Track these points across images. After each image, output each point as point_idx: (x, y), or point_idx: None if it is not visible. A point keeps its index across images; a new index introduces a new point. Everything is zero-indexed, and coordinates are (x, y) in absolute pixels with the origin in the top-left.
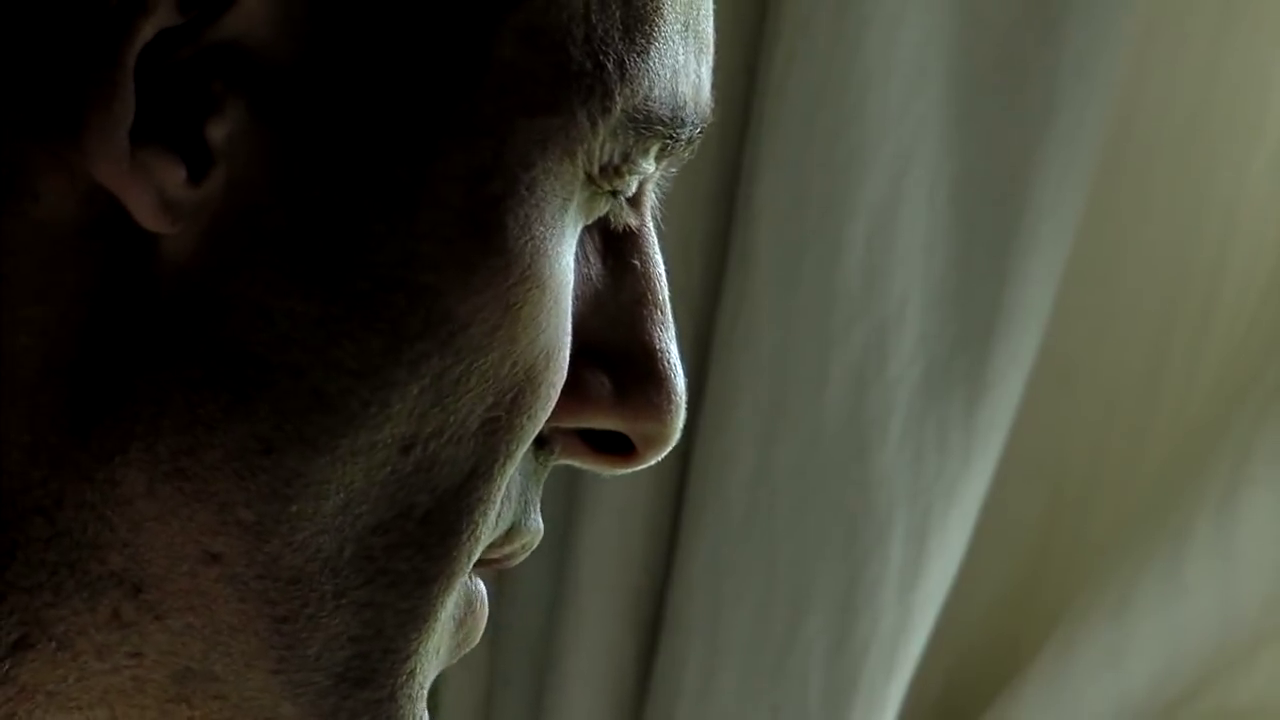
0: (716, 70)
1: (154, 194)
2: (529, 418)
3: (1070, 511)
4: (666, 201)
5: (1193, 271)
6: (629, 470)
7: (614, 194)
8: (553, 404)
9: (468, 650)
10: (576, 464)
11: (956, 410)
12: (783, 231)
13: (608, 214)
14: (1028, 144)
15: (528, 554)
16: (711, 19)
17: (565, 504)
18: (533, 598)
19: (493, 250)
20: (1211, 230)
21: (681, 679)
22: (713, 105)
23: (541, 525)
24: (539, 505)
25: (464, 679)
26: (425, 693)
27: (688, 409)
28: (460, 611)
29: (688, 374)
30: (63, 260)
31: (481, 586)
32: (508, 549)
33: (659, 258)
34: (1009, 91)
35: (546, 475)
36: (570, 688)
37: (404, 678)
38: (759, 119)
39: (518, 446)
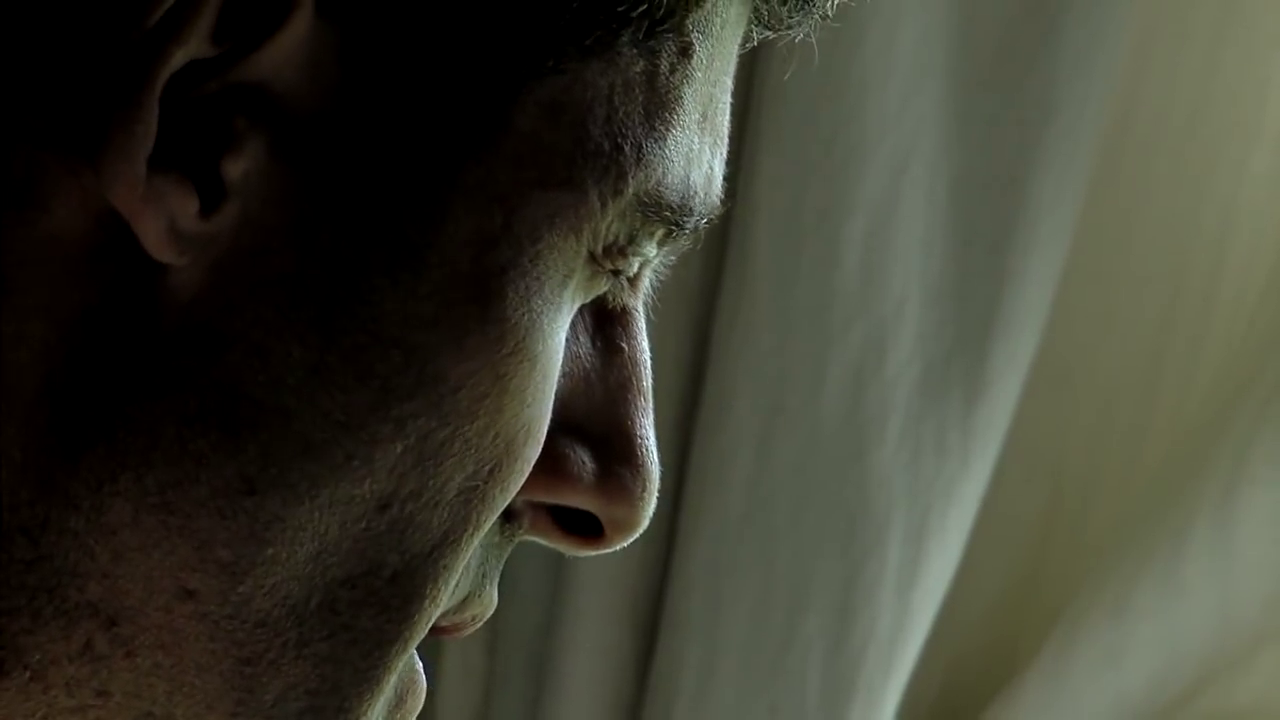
0: None
1: (165, 223)
2: (502, 490)
3: (1069, 511)
4: None
5: (1191, 271)
6: (594, 553)
7: (615, 273)
8: (524, 479)
9: None
10: (542, 541)
11: (955, 410)
12: (781, 230)
13: (605, 293)
14: (1026, 143)
15: (477, 626)
16: (728, 113)
17: None
18: (531, 598)
19: (491, 319)
20: (1210, 230)
21: (679, 678)
22: (721, 197)
23: (496, 599)
24: (497, 580)
25: (462, 679)
26: None
27: (687, 408)
28: (402, 687)
29: (687, 373)
30: (68, 279)
31: (420, 666)
32: (458, 618)
33: (645, 343)
34: (1007, 90)
35: (509, 552)
36: (568, 687)
37: None
38: (758, 117)
39: (488, 517)
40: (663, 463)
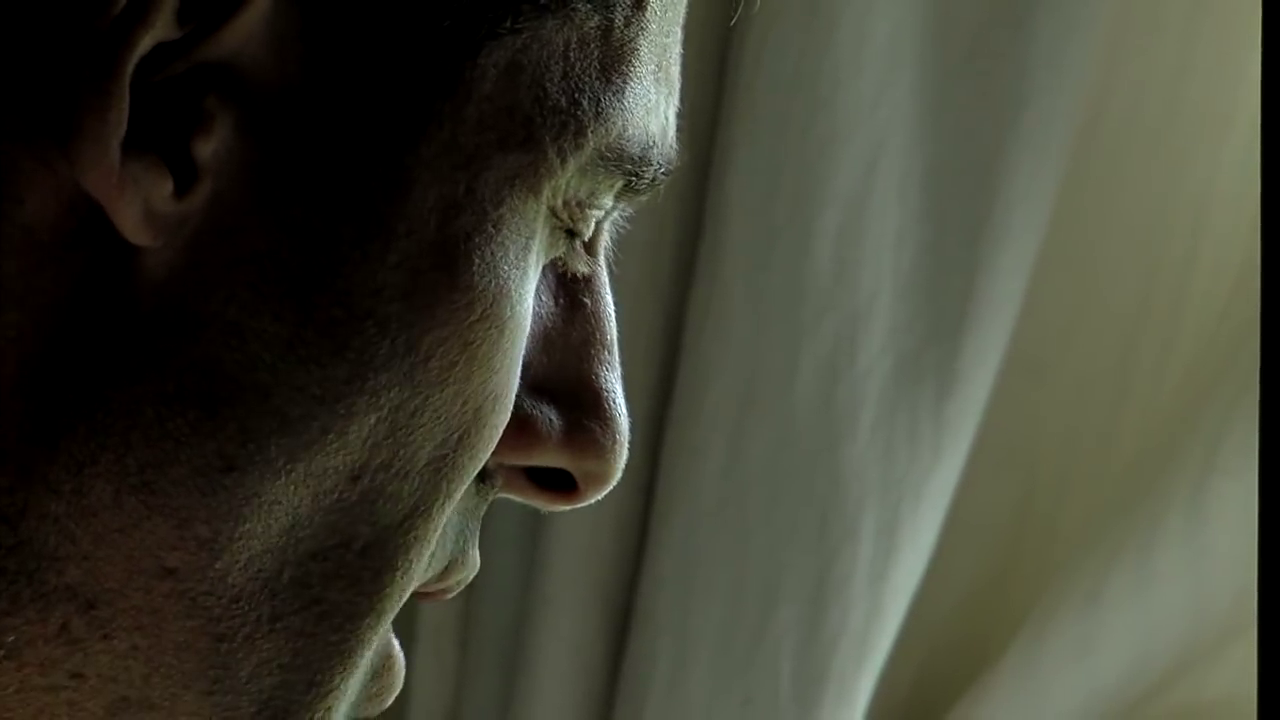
0: (689, 59)
1: (140, 206)
2: (471, 458)
3: (1041, 504)
4: None
5: (1164, 264)
6: (570, 507)
7: (571, 234)
8: (494, 445)
9: (377, 708)
10: (518, 498)
11: (927, 402)
12: (753, 223)
13: (563, 255)
14: (998, 136)
15: (461, 588)
16: (679, 63)
17: None
18: (503, 591)
19: (459, 286)
20: (1182, 223)
21: (652, 672)
22: (677, 148)
23: (478, 560)
24: (477, 541)
25: (434, 673)
26: None
27: (659, 400)
28: (378, 662)
29: (659, 366)
30: (42, 267)
31: (399, 649)
32: (443, 584)
33: (609, 298)
34: (980, 83)
35: (485, 510)
36: (540, 681)
37: (321, 713)
38: (730, 110)
39: (459, 486)
40: (634, 456)
